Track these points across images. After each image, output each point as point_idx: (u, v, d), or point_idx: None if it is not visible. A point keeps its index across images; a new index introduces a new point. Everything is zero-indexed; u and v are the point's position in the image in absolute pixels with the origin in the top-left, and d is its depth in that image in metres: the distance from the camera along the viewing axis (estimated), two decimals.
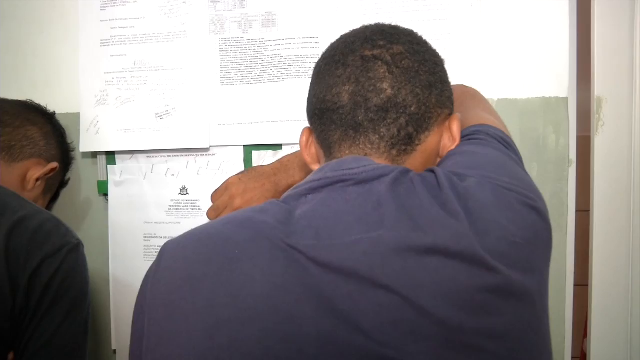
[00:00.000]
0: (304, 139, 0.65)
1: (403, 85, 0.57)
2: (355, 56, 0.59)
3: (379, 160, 0.57)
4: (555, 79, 0.94)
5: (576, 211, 0.97)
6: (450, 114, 0.63)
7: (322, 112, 0.60)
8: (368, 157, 0.57)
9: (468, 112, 0.74)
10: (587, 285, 1.00)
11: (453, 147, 0.61)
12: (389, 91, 0.57)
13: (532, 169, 0.95)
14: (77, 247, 0.75)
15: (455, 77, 0.92)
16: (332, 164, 0.56)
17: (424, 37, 0.64)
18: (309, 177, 0.57)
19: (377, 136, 0.57)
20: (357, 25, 0.92)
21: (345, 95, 0.58)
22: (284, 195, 0.57)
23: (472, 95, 0.81)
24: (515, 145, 0.66)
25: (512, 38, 0.94)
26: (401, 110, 0.57)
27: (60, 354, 0.71)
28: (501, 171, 0.55)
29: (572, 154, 0.96)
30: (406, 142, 0.58)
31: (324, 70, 0.61)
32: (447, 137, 0.61)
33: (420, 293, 0.45)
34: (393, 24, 0.65)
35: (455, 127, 0.62)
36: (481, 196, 0.51)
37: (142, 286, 0.55)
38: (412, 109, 0.57)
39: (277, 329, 0.45)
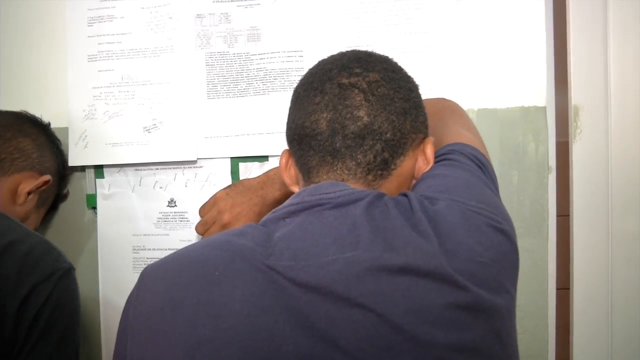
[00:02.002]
0: (284, 161, 0.68)
1: (379, 113, 0.60)
2: (332, 84, 0.61)
3: (355, 185, 0.60)
4: (533, 89, 0.96)
5: (557, 216, 0.99)
6: (425, 138, 0.65)
7: (300, 137, 0.63)
8: (345, 182, 0.60)
9: (447, 128, 0.76)
10: (569, 288, 1.02)
11: (427, 169, 0.64)
12: (366, 118, 0.59)
13: (513, 176, 0.97)
14: (68, 272, 0.73)
15: (436, 88, 0.95)
16: (309, 189, 0.58)
17: (398, 62, 0.67)
18: (287, 202, 0.59)
19: (354, 162, 0.60)
20: (340, 38, 0.95)
21: (323, 122, 0.60)
22: (263, 218, 0.60)
23: (452, 110, 0.83)
24: (490, 164, 0.69)
25: (491, 49, 0.97)
26: (377, 137, 0.59)
27: None
28: (470, 194, 0.58)
29: (552, 161, 0.98)
30: (382, 167, 0.60)
31: (302, 97, 0.64)
32: (421, 160, 0.64)
33: (394, 310, 0.47)
34: (369, 51, 0.68)
35: (429, 151, 0.64)
36: (450, 219, 0.53)
37: (124, 310, 0.57)
38: (388, 135, 0.60)
39: (256, 348, 0.47)
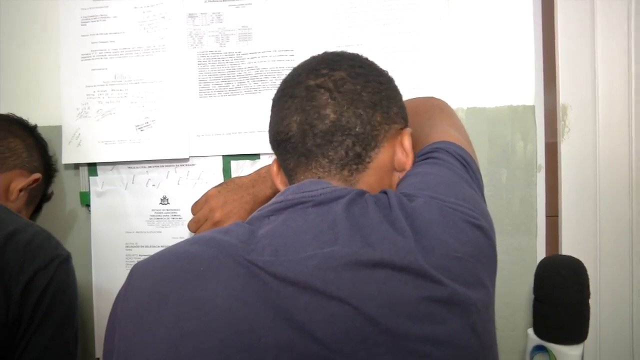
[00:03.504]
0: (275, 169, 0.70)
1: (345, 109, 0.61)
2: (300, 87, 0.63)
3: (332, 182, 0.61)
4: (521, 88, 0.97)
5: (546, 216, 1.00)
6: (403, 128, 0.66)
7: (278, 143, 0.65)
8: (322, 179, 0.61)
9: (434, 126, 0.77)
10: None
11: (408, 160, 0.65)
12: (332, 116, 0.61)
13: (502, 175, 0.98)
14: (67, 260, 0.77)
15: (426, 87, 0.96)
16: (292, 188, 0.60)
17: (388, 61, 0.68)
18: (272, 200, 0.61)
19: (327, 160, 0.61)
20: (330, 38, 0.97)
21: (294, 125, 0.62)
22: (250, 217, 0.61)
23: (440, 108, 0.84)
24: (475, 163, 0.70)
25: (480, 49, 0.98)
26: (346, 132, 0.61)
27: None
28: (449, 192, 0.59)
29: (541, 160, 0.99)
30: (356, 161, 0.62)
31: (276, 104, 0.66)
32: (400, 152, 0.65)
33: (369, 303, 0.48)
34: (340, 51, 0.69)
35: (407, 142, 0.65)
36: (427, 215, 0.54)
37: (113, 305, 0.58)
38: (357, 129, 0.61)
39: (237, 340, 0.48)
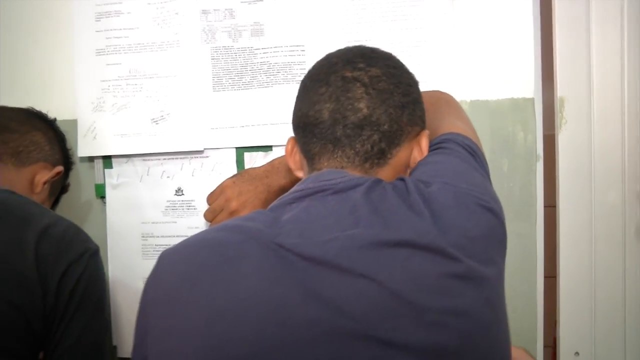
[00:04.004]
0: (289, 147, 0.73)
1: (378, 106, 0.64)
2: (336, 76, 0.66)
3: (352, 172, 0.65)
4: (522, 82, 1.02)
5: (544, 207, 1.06)
6: (422, 130, 0.70)
7: (305, 125, 0.67)
8: (344, 169, 0.65)
9: (442, 119, 0.81)
10: (555, 276, 1.08)
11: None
12: (365, 110, 0.64)
13: (503, 164, 1.03)
14: (96, 252, 0.81)
15: (432, 81, 1.01)
16: (312, 177, 0.64)
17: (401, 60, 0.73)
18: (293, 189, 0.64)
19: (353, 151, 0.65)
20: (340, 34, 1.00)
21: (325, 112, 0.65)
22: (271, 205, 0.65)
23: (447, 102, 0.89)
24: (481, 151, 0.74)
25: (483, 45, 1.02)
26: (375, 128, 0.64)
27: (88, 350, 0.76)
28: (461, 178, 0.63)
29: (540, 150, 1.04)
30: (379, 156, 0.65)
31: (308, 87, 0.68)
32: (416, 151, 0.69)
33: (393, 279, 0.52)
34: (374, 47, 0.72)
35: (424, 144, 0.70)
36: (443, 199, 0.59)
37: (144, 290, 0.61)
38: (385, 127, 0.65)
39: (270, 316, 0.52)
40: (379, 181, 0.62)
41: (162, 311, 0.57)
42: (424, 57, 1.00)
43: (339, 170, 0.65)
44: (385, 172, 0.66)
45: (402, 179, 0.63)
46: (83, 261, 0.77)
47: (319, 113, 0.66)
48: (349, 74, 0.66)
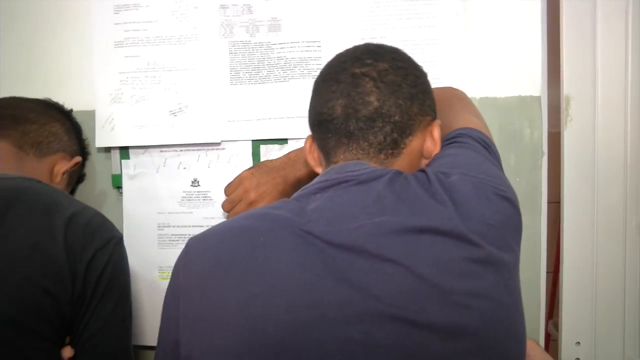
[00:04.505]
0: (308, 145, 0.76)
1: (387, 98, 0.67)
2: (346, 74, 0.69)
3: (369, 163, 0.68)
4: (529, 80, 1.06)
5: (548, 203, 1.09)
6: (433, 120, 0.73)
7: (320, 122, 0.71)
8: (360, 160, 0.68)
9: (456, 114, 0.85)
10: (556, 272, 1.12)
11: (436, 149, 0.72)
12: (376, 103, 0.67)
13: (510, 159, 1.07)
14: (121, 240, 0.82)
15: (443, 78, 1.04)
16: (336, 168, 0.67)
17: (408, 53, 0.76)
18: (316, 179, 0.67)
19: (367, 143, 0.68)
20: (355, 30, 1.03)
21: (338, 108, 0.68)
22: (295, 195, 0.68)
23: (459, 98, 0.92)
24: (494, 145, 0.78)
25: (492, 44, 1.06)
26: (386, 119, 0.67)
27: (114, 335, 0.78)
28: (478, 169, 0.67)
29: (545, 147, 1.08)
30: (392, 146, 0.68)
31: (320, 87, 0.72)
32: (429, 141, 0.72)
33: (419, 263, 0.56)
34: (379, 43, 0.75)
35: (436, 133, 0.72)
36: (463, 189, 0.62)
37: (172, 277, 0.64)
38: (396, 117, 0.68)
39: (302, 299, 0.55)
40: (399, 173, 0.65)
41: (195, 297, 0.60)
42: (436, 54, 1.03)
43: (360, 162, 0.68)
44: (401, 162, 0.69)
45: (422, 171, 0.66)
46: (109, 248, 0.78)
47: (332, 109, 0.68)
48: (357, 70, 0.69)
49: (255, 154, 1.06)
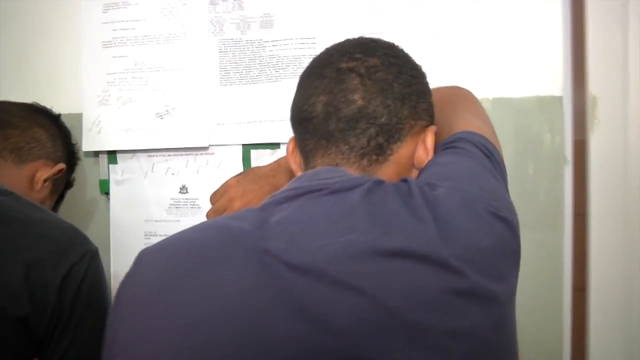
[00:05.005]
0: (290, 147, 0.68)
1: (374, 97, 0.59)
2: (331, 68, 0.61)
3: (349, 170, 0.59)
4: (549, 78, 0.95)
5: (574, 214, 0.97)
6: (428, 125, 0.64)
7: (299, 121, 0.63)
8: (339, 166, 0.60)
9: (457, 116, 0.75)
10: (584, 289, 1.00)
11: (428, 158, 0.63)
12: (360, 102, 0.59)
13: (528, 167, 0.96)
14: (96, 254, 0.78)
15: (450, 77, 0.94)
16: (308, 174, 0.58)
17: (411, 49, 0.67)
18: (287, 186, 0.59)
19: (347, 146, 0.59)
20: (353, 25, 0.95)
21: (319, 105, 0.60)
22: (263, 202, 0.59)
23: (464, 97, 0.82)
24: (499, 153, 0.68)
25: (507, 37, 0.95)
26: (371, 121, 0.59)
27: (95, 355, 0.73)
28: (472, 182, 0.57)
29: (569, 153, 0.96)
30: (377, 152, 0.60)
31: (304, 81, 0.65)
32: (421, 149, 0.63)
33: (388, 294, 0.46)
34: (375, 37, 0.67)
35: (430, 140, 0.63)
36: (450, 205, 0.52)
37: (117, 292, 0.56)
38: (382, 119, 0.59)
39: (250, 330, 0.46)
40: (380, 182, 0.56)
41: (135, 317, 0.52)
42: (442, 50, 0.93)
43: (336, 168, 0.60)
44: (387, 170, 0.61)
45: (405, 180, 0.57)
46: (84, 263, 0.74)
47: (312, 107, 0.61)
48: (344, 65, 0.61)
49: (246, 159, 0.99)
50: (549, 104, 0.95)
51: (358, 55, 0.62)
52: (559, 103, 0.95)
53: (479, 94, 0.94)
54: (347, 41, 0.66)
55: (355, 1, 0.95)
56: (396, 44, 0.69)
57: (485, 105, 0.96)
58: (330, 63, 0.62)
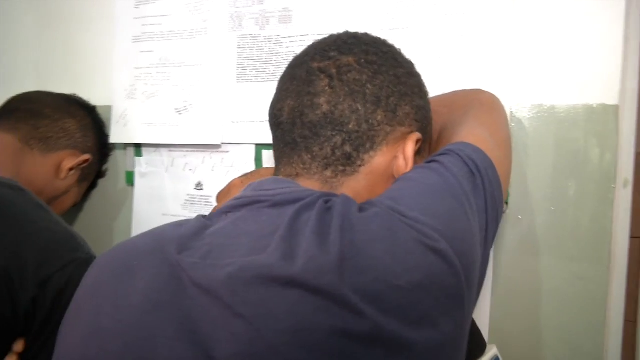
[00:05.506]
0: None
1: (341, 101, 0.53)
2: (302, 69, 0.57)
3: (308, 182, 0.54)
4: (603, 83, 0.79)
5: (630, 237, 0.82)
6: (413, 132, 0.57)
7: (271, 126, 0.60)
8: (299, 176, 0.55)
9: (463, 125, 0.66)
10: (635, 321, 0.84)
11: (407, 170, 0.55)
12: (325, 107, 0.54)
13: (569, 187, 0.82)
14: (85, 262, 0.76)
15: (480, 79, 0.83)
16: (254, 184, 0.54)
17: (395, 47, 0.60)
18: (236, 195, 0.55)
19: (310, 155, 0.54)
20: (373, 20, 0.87)
21: (286, 109, 0.56)
22: (215, 210, 0.56)
23: (481, 103, 0.72)
24: (493, 168, 0.57)
25: (550, 34, 0.81)
26: (337, 128, 0.53)
27: None
28: (419, 204, 0.48)
29: (627, 173, 0.81)
30: (344, 162, 0.54)
31: (279, 82, 0.61)
32: (401, 158, 0.56)
33: (272, 327, 0.41)
34: (362, 33, 0.61)
35: (409, 148, 0.56)
36: (373, 229, 0.45)
37: None
38: (350, 126, 0.53)
39: (136, 346, 0.44)
40: (324, 197, 0.50)
41: (66, 319, 0.53)
42: (471, 48, 0.82)
43: (286, 179, 0.55)
44: (355, 184, 0.55)
45: (339, 196, 0.50)
46: (67, 271, 0.73)
47: (280, 112, 0.57)
48: (315, 65, 0.56)
49: (258, 159, 0.96)
50: (600, 113, 0.80)
51: (332, 54, 0.56)
52: (614, 113, 0.79)
53: (513, 99, 0.83)
54: (329, 37, 0.61)
55: None
56: (385, 39, 0.62)
57: (520, 114, 0.83)
58: (304, 62, 0.58)
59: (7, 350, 0.72)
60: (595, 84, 0.80)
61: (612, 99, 0.79)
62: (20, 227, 0.73)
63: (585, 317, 0.82)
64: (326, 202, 0.48)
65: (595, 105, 0.80)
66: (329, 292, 0.41)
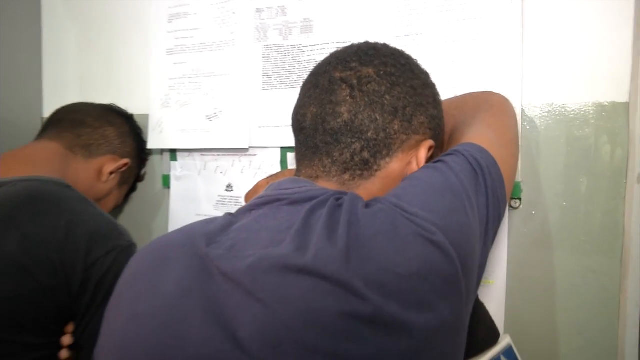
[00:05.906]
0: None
1: (361, 110, 0.58)
2: (325, 77, 0.61)
3: (327, 184, 0.59)
4: (613, 81, 0.82)
5: None
6: (426, 139, 0.62)
7: (294, 130, 0.65)
8: (318, 178, 0.60)
9: (471, 126, 0.71)
10: None
11: None
12: (346, 115, 0.58)
13: (581, 183, 0.84)
14: (127, 248, 0.84)
15: (492, 80, 0.86)
16: (274, 184, 0.60)
17: (413, 58, 0.65)
18: (259, 194, 0.61)
19: (330, 160, 0.59)
20: (388, 27, 0.92)
21: (309, 116, 0.61)
22: (240, 208, 0.62)
23: (490, 105, 0.76)
24: (497, 167, 0.61)
25: (560, 30, 0.84)
26: (357, 136, 0.58)
27: None
28: (420, 200, 0.53)
29: (639, 169, 0.83)
30: (361, 167, 0.59)
31: (302, 89, 0.66)
32: (414, 164, 0.61)
33: (286, 309, 0.46)
34: (382, 43, 0.66)
35: (422, 155, 0.61)
36: (376, 223, 0.50)
37: None
38: (369, 134, 0.58)
39: (170, 327, 0.50)
40: (336, 195, 0.55)
41: (110, 306, 0.59)
42: (483, 51, 0.86)
43: (304, 179, 0.60)
44: (371, 186, 0.60)
45: (348, 194, 0.55)
46: (111, 257, 0.81)
47: (303, 117, 0.63)
48: (337, 74, 0.61)
49: (283, 161, 1.02)
50: (610, 111, 0.82)
51: (353, 65, 0.61)
52: (624, 110, 0.81)
53: (525, 99, 0.86)
54: (350, 47, 0.65)
55: (392, 3, 0.91)
56: (403, 50, 0.66)
57: (532, 112, 0.86)
58: (326, 72, 0.62)
59: (62, 332, 0.80)
60: (605, 82, 0.82)
61: (622, 97, 0.81)
62: (70, 218, 0.81)
63: (598, 309, 0.84)
64: (337, 199, 0.54)
65: (605, 103, 0.82)
66: (336, 279, 0.46)
